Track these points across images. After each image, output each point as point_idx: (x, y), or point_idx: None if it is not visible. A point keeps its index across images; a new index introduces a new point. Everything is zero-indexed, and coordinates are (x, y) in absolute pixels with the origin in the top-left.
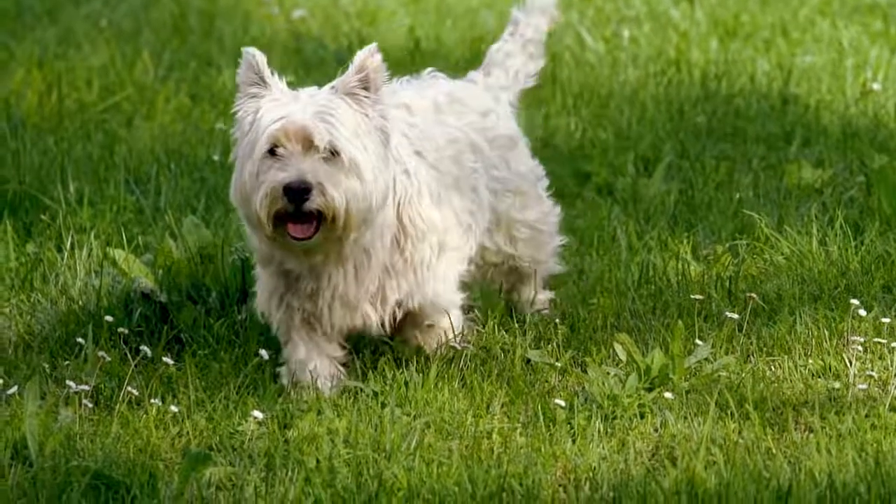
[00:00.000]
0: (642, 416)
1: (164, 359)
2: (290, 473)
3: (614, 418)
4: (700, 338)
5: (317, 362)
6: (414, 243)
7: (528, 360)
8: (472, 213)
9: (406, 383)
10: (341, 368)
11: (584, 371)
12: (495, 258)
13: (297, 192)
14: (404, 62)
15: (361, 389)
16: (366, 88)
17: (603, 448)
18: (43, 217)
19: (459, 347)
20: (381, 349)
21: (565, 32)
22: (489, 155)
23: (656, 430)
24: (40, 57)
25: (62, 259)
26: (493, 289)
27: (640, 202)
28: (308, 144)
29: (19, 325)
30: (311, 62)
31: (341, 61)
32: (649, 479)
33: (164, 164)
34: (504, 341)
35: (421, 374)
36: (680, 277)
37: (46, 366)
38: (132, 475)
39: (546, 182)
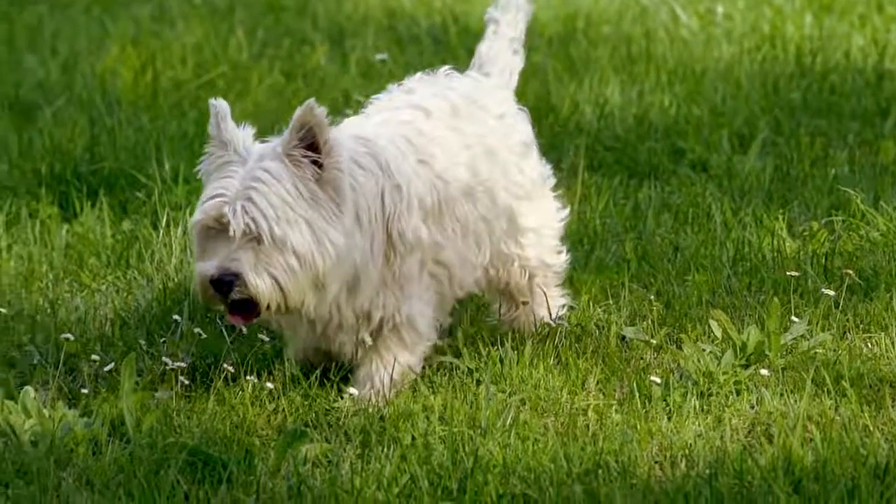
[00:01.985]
0: (738, 393)
1: (260, 336)
2: (385, 450)
3: (710, 395)
4: (796, 314)
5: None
6: (402, 257)
7: (624, 337)
8: (487, 221)
9: (501, 360)
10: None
11: (680, 348)
12: (507, 263)
13: (220, 286)
14: None
15: (457, 366)
16: (310, 146)
17: (699, 425)
18: (138, 194)
19: (554, 324)
20: (476, 326)
21: (659, 9)
22: (506, 159)
23: (752, 407)
24: (135, 34)
25: (158, 236)
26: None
27: (734, 178)
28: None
29: (116, 303)
30: (404, 39)
31: (435, 39)
32: (745, 456)
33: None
34: (599, 318)
35: (516, 351)
36: (775, 254)
37: (143, 343)
38: (228, 452)
39: (552, 181)
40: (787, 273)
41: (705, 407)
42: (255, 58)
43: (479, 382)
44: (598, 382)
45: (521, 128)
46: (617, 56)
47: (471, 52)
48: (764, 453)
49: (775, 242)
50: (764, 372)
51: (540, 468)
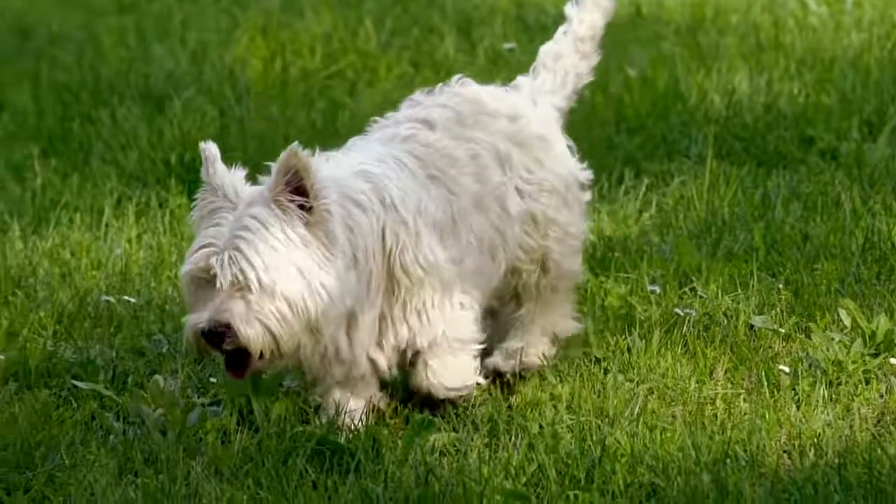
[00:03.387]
0: (867, 382)
1: None
2: (513, 439)
3: (839, 384)
4: None
5: (352, 403)
6: (409, 290)
7: (752, 326)
8: (500, 231)
9: (629, 349)
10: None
11: (809, 337)
12: (529, 265)
13: (212, 337)
14: (625, 28)
15: (585, 356)
16: (297, 189)
17: (827, 414)
18: None
19: (682, 314)
20: (605, 315)
21: None
22: (519, 159)
23: (882, 396)
24: (264, 24)
25: None
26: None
27: (864, 167)
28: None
29: None
30: (532, 28)
31: None
32: (874, 446)
33: None
34: (727, 307)
35: (644, 340)
36: None
37: None
38: (356, 441)
39: (588, 196)
40: None
41: (834, 396)
42: (384, 47)
43: (606, 371)
44: (726, 371)
45: (537, 125)
46: (745, 45)
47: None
48: (893, 442)
49: None
50: (893, 361)
51: (668, 457)
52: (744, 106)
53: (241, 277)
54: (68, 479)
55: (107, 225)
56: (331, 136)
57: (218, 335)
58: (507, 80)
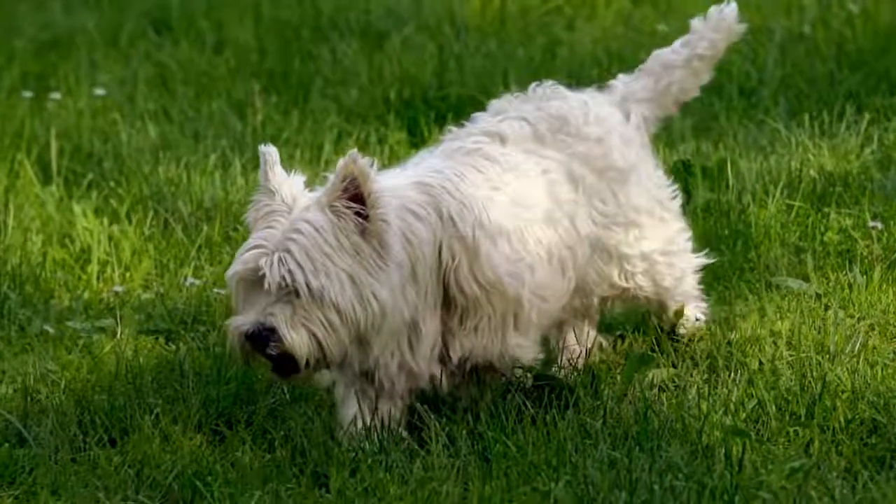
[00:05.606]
0: None
1: None
2: (732, 375)
3: None
4: None
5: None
6: (465, 308)
7: None
8: (570, 247)
9: (850, 285)
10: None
11: None
12: (609, 291)
13: (256, 341)
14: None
15: (804, 292)
16: (354, 197)
17: None
18: None
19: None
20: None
21: None
22: (594, 185)
23: None
24: None
25: None
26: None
27: None
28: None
29: None
30: None
31: None
32: None
33: (604, 67)
34: None
35: (865, 276)
36: None
37: None
38: (575, 378)
39: (676, 202)
40: None
41: None
42: None
43: (826, 307)
44: None
45: (619, 153)
46: None
47: None
48: None
49: None
50: None
51: (889, 394)
52: None
53: (288, 280)
54: (289, 413)
55: (327, 161)
56: (549, 71)
57: (262, 339)
58: None
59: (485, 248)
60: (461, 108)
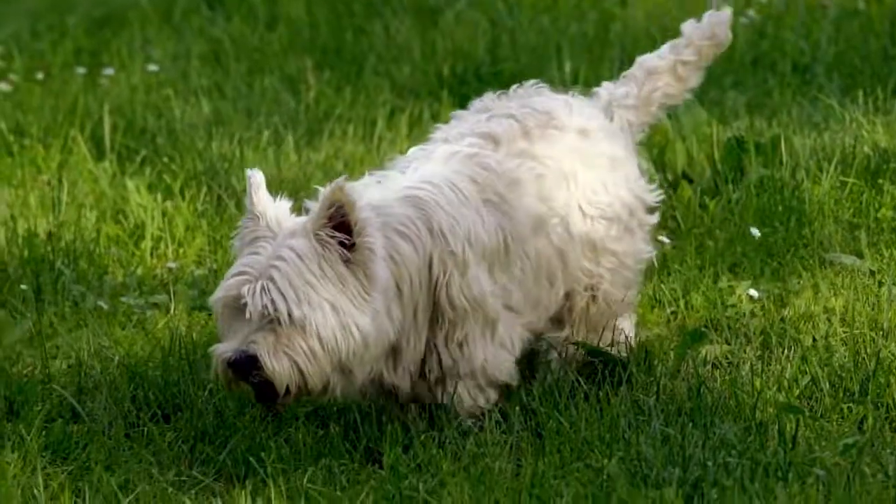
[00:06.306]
0: None
1: (660, 238)
2: (785, 352)
3: None
4: None
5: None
6: (453, 322)
7: None
8: (561, 253)
9: None
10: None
11: None
12: (583, 290)
13: (239, 368)
14: None
15: (858, 268)
16: (340, 225)
17: None
18: None
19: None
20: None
21: None
22: (585, 179)
23: None
24: None
25: None
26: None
27: None
28: None
29: None
30: None
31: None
32: None
33: (658, 43)
34: None
35: None
36: None
37: None
38: (630, 353)
39: (655, 219)
40: None
41: None
42: None
43: (880, 284)
44: None
45: (607, 143)
46: None
47: None
48: None
49: None
50: None
51: None
52: None
53: (271, 308)
54: None
55: (380, 137)
56: (602, 46)
57: (244, 367)
58: None
59: (473, 264)
60: (514, 84)
